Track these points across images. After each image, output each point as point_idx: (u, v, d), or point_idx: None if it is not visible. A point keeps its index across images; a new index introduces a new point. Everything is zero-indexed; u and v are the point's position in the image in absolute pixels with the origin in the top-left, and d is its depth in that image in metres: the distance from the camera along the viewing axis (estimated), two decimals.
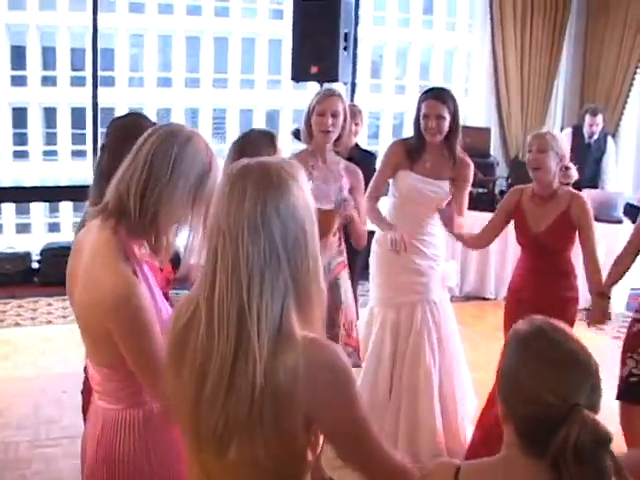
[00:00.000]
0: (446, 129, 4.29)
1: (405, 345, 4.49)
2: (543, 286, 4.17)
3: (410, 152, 4.40)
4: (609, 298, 4.19)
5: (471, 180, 4.46)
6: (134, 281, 2.11)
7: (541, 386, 1.68)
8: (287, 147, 3.99)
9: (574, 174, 4.23)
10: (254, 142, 3.31)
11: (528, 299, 4.17)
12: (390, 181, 4.51)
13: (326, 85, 7.05)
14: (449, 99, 4.30)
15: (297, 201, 1.72)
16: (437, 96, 4.32)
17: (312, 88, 7.85)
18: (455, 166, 4.38)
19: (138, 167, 2.14)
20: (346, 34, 7.41)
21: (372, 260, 4.62)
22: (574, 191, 4.22)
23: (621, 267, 4.20)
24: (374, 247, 4.60)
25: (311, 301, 1.76)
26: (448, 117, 4.26)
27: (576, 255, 4.34)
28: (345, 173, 4.12)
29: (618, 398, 4.14)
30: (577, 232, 4.17)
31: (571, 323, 4.15)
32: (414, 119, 4.41)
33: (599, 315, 4.19)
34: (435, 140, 4.32)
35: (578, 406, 1.64)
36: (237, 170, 1.75)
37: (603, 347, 6.32)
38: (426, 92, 4.41)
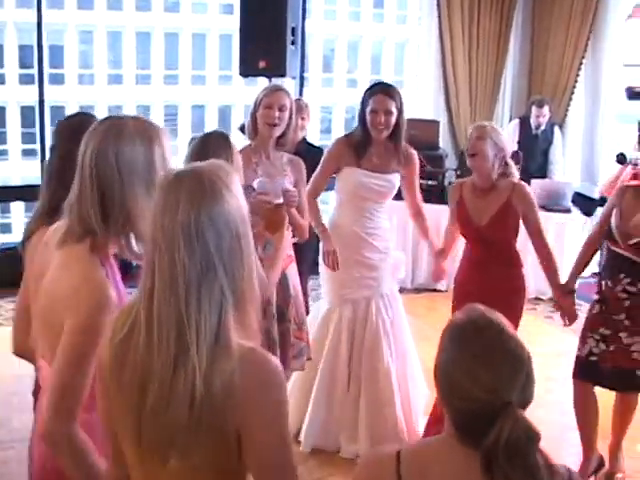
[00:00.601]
0: (393, 124, 4.31)
1: (362, 340, 4.52)
2: (488, 278, 4.21)
3: (355, 148, 4.41)
4: (574, 292, 4.27)
5: (418, 168, 4.52)
6: (107, 286, 2.09)
7: (473, 383, 1.69)
8: (239, 143, 3.97)
9: (514, 172, 4.26)
10: (213, 145, 3.31)
11: (474, 291, 4.20)
12: (336, 178, 4.51)
13: (274, 80, 7.06)
14: (396, 94, 4.33)
15: (230, 209, 1.73)
16: (385, 91, 4.34)
17: (262, 84, 7.84)
18: (401, 158, 4.42)
19: (87, 183, 2.12)
20: (293, 28, 7.41)
21: (322, 258, 4.61)
22: (515, 181, 4.26)
23: (585, 259, 4.27)
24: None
25: (247, 306, 1.77)
26: (395, 112, 4.29)
27: (523, 245, 4.40)
28: (288, 167, 4.12)
29: (575, 376, 4.21)
30: (521, 222, 4.22)
31: (519, 313, 4.20)
32: (359, 113, 4.42)
33: (572, 312, 4.25)
34: (382, 136, 4.34)
35: (510, 404, 1.66)
36: (170, 180, 1.75)
37: (555, 335, 6.39)
38: (373, 87, 4.42)
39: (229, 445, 1.72)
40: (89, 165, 2.12)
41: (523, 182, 4.31)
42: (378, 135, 4.34)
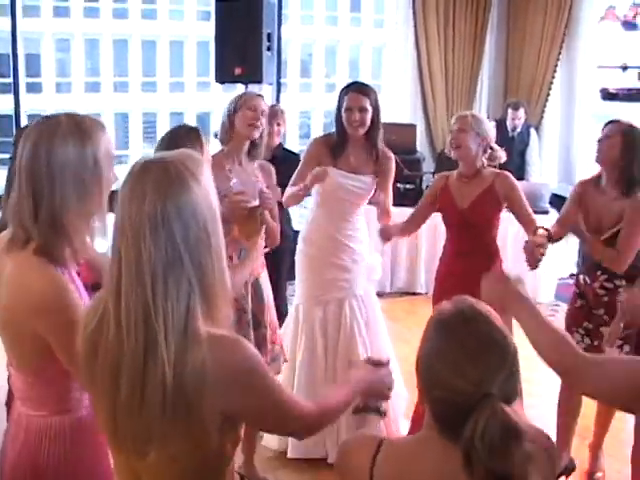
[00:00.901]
0: (369, 122, 4.32)
1: (336, 341, 4.52)
2: (470, 267, 4.22)
3: (332, 148, 4.41)
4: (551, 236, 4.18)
5: (394, 171, 4.49)
6: (63, 280, 2.10)
7: (453, 372, 1.67)
8: (214, 150, 3.97)
9: (501, 155, 4.30)
10: (182, 138, 3.30)
11: (457, 283, 4.23)
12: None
13: (251, 87, 7.06)
14: (371, 92, 4.34)
15: (198, 199, 1.72)
16: (359, 89, 4.35)
17: (240, 90, 7.83)
18: (378, 160, 4.41)
19: (22, 186, 2.11)
20: (269, 34, 7.41)
21: (298, 258, 4.62)
22: (498, 170, 4.32)
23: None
24: (300, 245, 4.60)
25: (217, 300, 1.77)
26: (370, 109, 4.29)
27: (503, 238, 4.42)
28: (260, 173, 4.11)
29: None
30: (502, 209, 4.25)
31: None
32: (335, 114, 4.42)
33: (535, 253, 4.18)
34: (358, 133, 4.34)
35: (489, 396, 1.63)
36: (137, 169, 1.74)
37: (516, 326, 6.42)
38: (347, 86, 4.44)
39: (207, 432, 1.73)
40: (24, 167, 2.11)
41: (509, 174, 4.33)
42: (354, 133, 4.34)
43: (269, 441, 4.70)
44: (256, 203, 3.82)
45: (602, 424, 4.38)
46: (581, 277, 4.26)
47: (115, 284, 1.71)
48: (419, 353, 1.79)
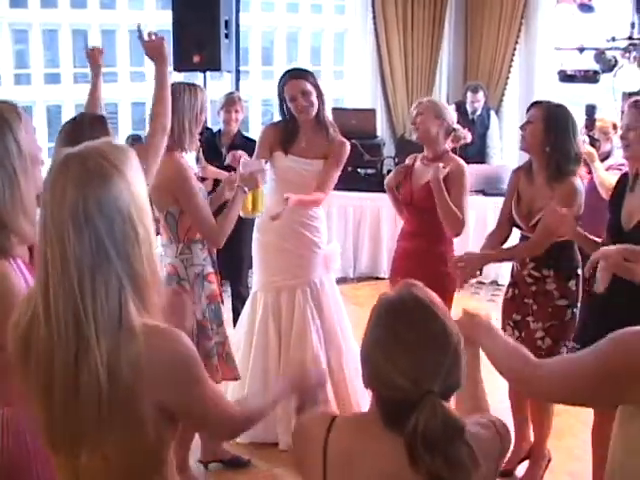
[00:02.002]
0: (316, 102, 4.32)
1: (289, 328, 4.54)
2: (416, 249, 4.30)
3: (284, 134, 4.41)
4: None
5: (343, 160, 4.47)
6: (5, 270, 2.10)
7: (394, 369, 1.66)
8: None
9: (465, 135, 4.33)
10: (85, 126, 3.25)
11: (403, 265, 4.32)
12: (268, 164, 4.51)
13: (210, 74, 7.04)
14: (307, 74, 4.38)
15: (120, 191, 1.70)
16: (294, 75, 4.40)
17: (199, 79, 7.78)
18: (330, 143, 4.40)
19: None
20: (227, 21, 7.39)
21: (254, 245, 4.64)
22: (458, 159, 4.34)
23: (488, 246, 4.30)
24: (255, 234, 4.62)
25: (149, 290, 1.75)
26: (313, 89, 4.30)
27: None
28: None
29: None
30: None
31: (450, 294, 4.22)
32: (279, 104, 4.44)
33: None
34: (309, 117, 4.34)
35: (430, 393, 1.63)
36: (57, 166, 1.72)
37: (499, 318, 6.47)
38: (282, 77, 4.45)
39: (143, 430, 1.72)
40: None
41: (465, 166, 4.34)
42: (306, 117, 4.36)
43: None
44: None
45: (538, 423, 4.30)
46: (513, 265, 4.28)
47: (43, 284, 1.69)
48: (362, 342, 1.78)
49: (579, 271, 4.01)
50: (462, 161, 4.35)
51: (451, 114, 4.36)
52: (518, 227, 4.18)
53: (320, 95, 4.35)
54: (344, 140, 4.47)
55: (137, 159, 1.81)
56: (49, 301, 1.68)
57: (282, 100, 4.38)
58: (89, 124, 3.27)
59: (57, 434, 1.74)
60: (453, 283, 4.25)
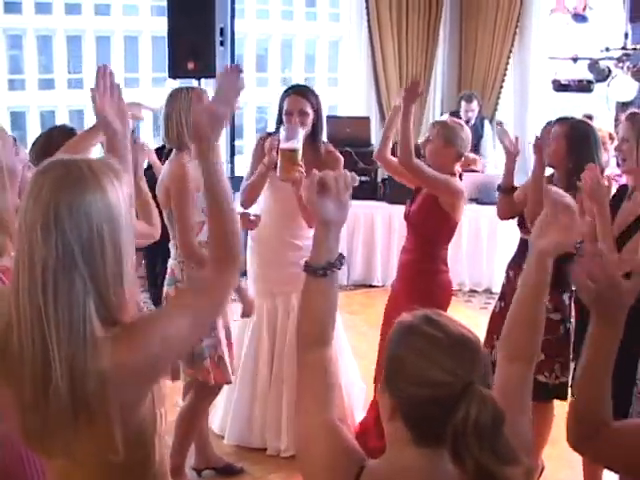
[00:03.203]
0: (309, 125, 4.29)
1: (284, 335, 4.53)
2: (409, 265, 4.30)
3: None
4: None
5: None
6: None
7: (431, 366, 1.60)
8: None
9: (473, 160, 4.32)
10: (57, 139, 3.24)
11: (397, 278, 4.33)
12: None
13: (204, 81, 7.03)
14: (311, 95, 4.32)
15: (94, 202, 1.68)
16: (299, 92, 4.33)
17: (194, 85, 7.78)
18: (323, 161, 4.31)
19: None
20: (222, 29, 7.39)
21: (248, 254, 4.64)
22: (457, 188, 4.28)
23: None
24: (248, 241, 4.62)
25: (116, 304, 1.73)
26: (311, 113, 4.28)
27: (456, 239, 4.45)
28: None
29: None
30: (451, 221, 4.24)
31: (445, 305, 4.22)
32: (277, 117, 4.41)
33: None
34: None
35: (473, 383, 1.56)
36: (42, 167, 1.73)
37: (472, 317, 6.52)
38: (287, 89, 4.42)
39: (113, 438, 1.69)
40: None
41: (459, 186, 4.29)
42: None
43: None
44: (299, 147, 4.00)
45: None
46: (505, 275, 4.25)
47: (14, 287, 1.69)
48: (386, 361, 1.70)
49: (573, 286, 4.01)
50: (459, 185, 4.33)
51: (464, 138, 4.26)
52: (523, 228, 4.15)
53: (319, 118, 4.34)
54: (339, 156, 4.44)
55: (127, 181, 1.80)
56: (18, 303, 1.67)
57: (281, 111, 4.35)
58: (61, 138, 3.22)
59: (31, 435, 1.73)
60: (443, 298, 4.25)
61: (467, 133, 4.29)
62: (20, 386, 1.69)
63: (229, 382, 4.17)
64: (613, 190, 3.80)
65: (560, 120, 4.10)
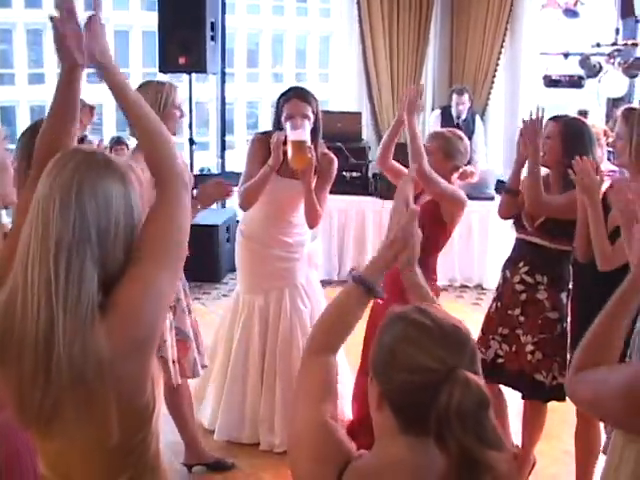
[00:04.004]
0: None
1: (276, 330, 4.53)
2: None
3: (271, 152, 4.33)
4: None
5: (333, 176, 4.42)
6: None
7: (420, 352, 1.62)
8: None
9: (470, 173, 4.29)
10: None
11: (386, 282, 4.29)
12: None
13: (195, 76, 7.02)
14: (311, 98, 4.29)
15: (116, 192, 1.73)
16: (300, 96, 4.28)
17: (185, 80, 7.77)
18: (318, 164, 4.30)
19: None
20: (212, 24, 7.39)
21: (238, 249, 4.63)
22: (457, 196, 4.23)
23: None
24: (239, 237, 4.61)
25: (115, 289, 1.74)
26: (312, 116, 4.26)
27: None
28: None
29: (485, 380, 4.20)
30: (446, 228, 4.20)
31: None
32: (274, 119, 4.37)
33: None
34: None
35: (458, 368, 1.58)
36: (65, 152, 1.77)
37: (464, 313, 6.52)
38: (287, 92, 4.36)
39: (109, 416, 1.70)
40: None
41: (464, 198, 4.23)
42: None
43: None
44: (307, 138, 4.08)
45: (529, 435, 4.23)
46: (501, 275, 4.20)
47: (23, 251, 1.70)
48: (375, 349, 1.72)
49: (570, 285, 4.00)
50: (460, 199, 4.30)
51: (463, 152, 4.24)
52: (520, 227, 4.12)
53: (317, 122, 4.31)
54: (332, 157, 4.41)
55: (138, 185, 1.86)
56: (26, 272, 1.68)
57: (278, 113, 4.32)
58: None
59: (27, 412, 1.72)
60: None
61: (466, 146, 4.26)
62: (18, 361, 1.69)
63: (176, 383, 4.10)
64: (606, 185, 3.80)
65: (553, 118, 4.07)
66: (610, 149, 3.96)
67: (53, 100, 2.08)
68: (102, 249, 1.70)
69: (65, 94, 2.07)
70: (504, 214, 4.24)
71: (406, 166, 4.22)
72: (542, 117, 3.89)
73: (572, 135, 3.93)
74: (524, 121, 3.93)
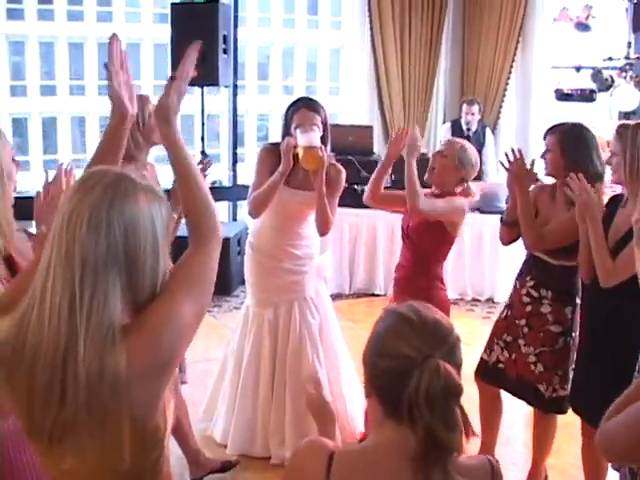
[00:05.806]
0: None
1: (285, 344, 4.51)
2: (405, 282, 4.27)
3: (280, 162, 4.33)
4: None
5: (342, 187, 4.40)
6: None
7: (401, 341, 1.75)
8: None
9: (473, 193, 4.28)
10: None
11: (394, 293, 4.31)
12: None
13: (207, 89, 7.03)
14: (320, 109, 4.29)
15: (145, 216, 1.72)
16: (309, 106, 4.28)
17: (197, 93, 7.80)
18: (327, 174, 4.26)
19: None
20: (225, 37, 7.42)
21: (247, 262, 4.62)
22: (461, 208, 4.24)
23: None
24: (248, 250, 4.59)
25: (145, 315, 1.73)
26: (321, 126, 4.25)
27: (459, 247, 4.40)
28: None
29: (479, 380, 4.22)
30: (449, 239, 4.22)
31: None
32: (283, 129, 4.37)
33: None
34: None
35: (432, 357, 1.71)
36: (92, 171, 1.77)
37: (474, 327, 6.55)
38: (296, 102, 4.35)
39: (121, 439, 1.68)
40: None
41: (463, 205, 4.23)
42: None
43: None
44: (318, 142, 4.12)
45: (537, 443, 4.25)
46: (513, 285, 4.21)
47: (44, 271, 1.69)
48: (370, 335, 1.85)
49: (578, 300, 3.99)
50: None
51: (473, 166, 4.23)
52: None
53: (326, 132, 4.31)
54: (340, 168, 4.39)
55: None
56: (46, 287, 1.67)
57: (287, 124, 4.32)
58: None
59: (39, 428, 1.70)
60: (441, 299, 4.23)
61: (477, 161, 4.27)
62: (30, 376, 1.66)
63: None
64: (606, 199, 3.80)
65: (551, 130, 4.07)
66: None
67: (99, 144, 2.17)
68: (129, 269, 1.69)
69: (112, 139, 2.16)
70: (504, 242, 4.29)
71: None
72: (521, 157, 3.93)
73: (571, 142, 3.91)
74: (510, 163, 3.95)
